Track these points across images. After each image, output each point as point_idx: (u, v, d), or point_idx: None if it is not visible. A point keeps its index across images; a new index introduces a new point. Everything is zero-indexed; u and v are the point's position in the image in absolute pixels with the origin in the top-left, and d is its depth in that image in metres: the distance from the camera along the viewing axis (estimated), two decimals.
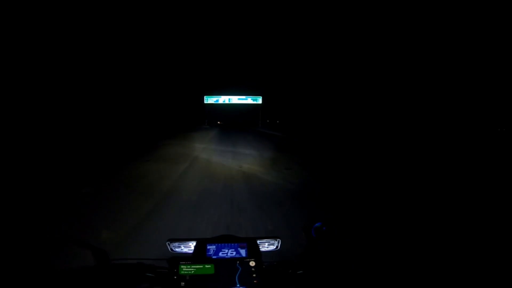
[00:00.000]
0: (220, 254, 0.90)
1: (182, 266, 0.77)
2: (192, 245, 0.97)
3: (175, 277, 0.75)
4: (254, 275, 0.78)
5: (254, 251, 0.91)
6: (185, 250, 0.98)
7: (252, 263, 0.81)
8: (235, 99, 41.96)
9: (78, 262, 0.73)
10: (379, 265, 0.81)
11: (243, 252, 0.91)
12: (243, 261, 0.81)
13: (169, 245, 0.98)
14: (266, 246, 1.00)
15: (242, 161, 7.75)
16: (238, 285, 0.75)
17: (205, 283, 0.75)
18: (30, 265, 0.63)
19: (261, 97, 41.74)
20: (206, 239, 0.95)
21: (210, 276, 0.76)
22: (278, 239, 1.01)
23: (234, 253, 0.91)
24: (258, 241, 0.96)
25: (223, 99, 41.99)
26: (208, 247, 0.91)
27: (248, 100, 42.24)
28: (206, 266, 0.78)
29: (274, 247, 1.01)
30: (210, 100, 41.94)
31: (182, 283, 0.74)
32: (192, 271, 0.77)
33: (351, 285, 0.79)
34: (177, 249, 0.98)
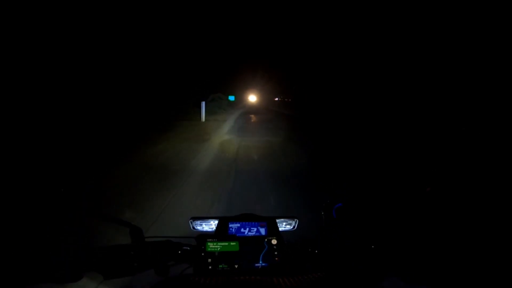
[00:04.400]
0: (241, 232, 0.95)
1: (209, 243, 0.82)
2: (213, 223, 1.02)
3: (203, 254, 0.80)
4: (275, 253, 0.82)
5: (273, 230, 0.95)
6: (206, 228, 1.03)
7: (274, 241, 0.85)
8: None
9: (116, 239, 0.78)
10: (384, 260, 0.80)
11: (262, 230, 0.96)
12: (267, 240, 0.86)
13: (191, 223, 1.03)
14: (284, 225, 1.04)
15: None
16: (260, 262, 0.80)
17: (230, 259, 0.80)
18: (69, 242, 0.67)
19: None
20: (228, 217, 0.99)
21: (235, 253, 0.81)
22: (295, 219, 1.06)
23: (255, 231, 0.96)
24: (276, 220, 1.00)
25: None
26: (230, 225, 0.96)
27: None
28: (231, 243, 0.83)
29: (291, 227, 1.05)
30: None
31: (209, 259, 0.79)
32: (219, 248, 0.82)
33: (364, 269, 0.81)
34: (198, 227, 1.03)
